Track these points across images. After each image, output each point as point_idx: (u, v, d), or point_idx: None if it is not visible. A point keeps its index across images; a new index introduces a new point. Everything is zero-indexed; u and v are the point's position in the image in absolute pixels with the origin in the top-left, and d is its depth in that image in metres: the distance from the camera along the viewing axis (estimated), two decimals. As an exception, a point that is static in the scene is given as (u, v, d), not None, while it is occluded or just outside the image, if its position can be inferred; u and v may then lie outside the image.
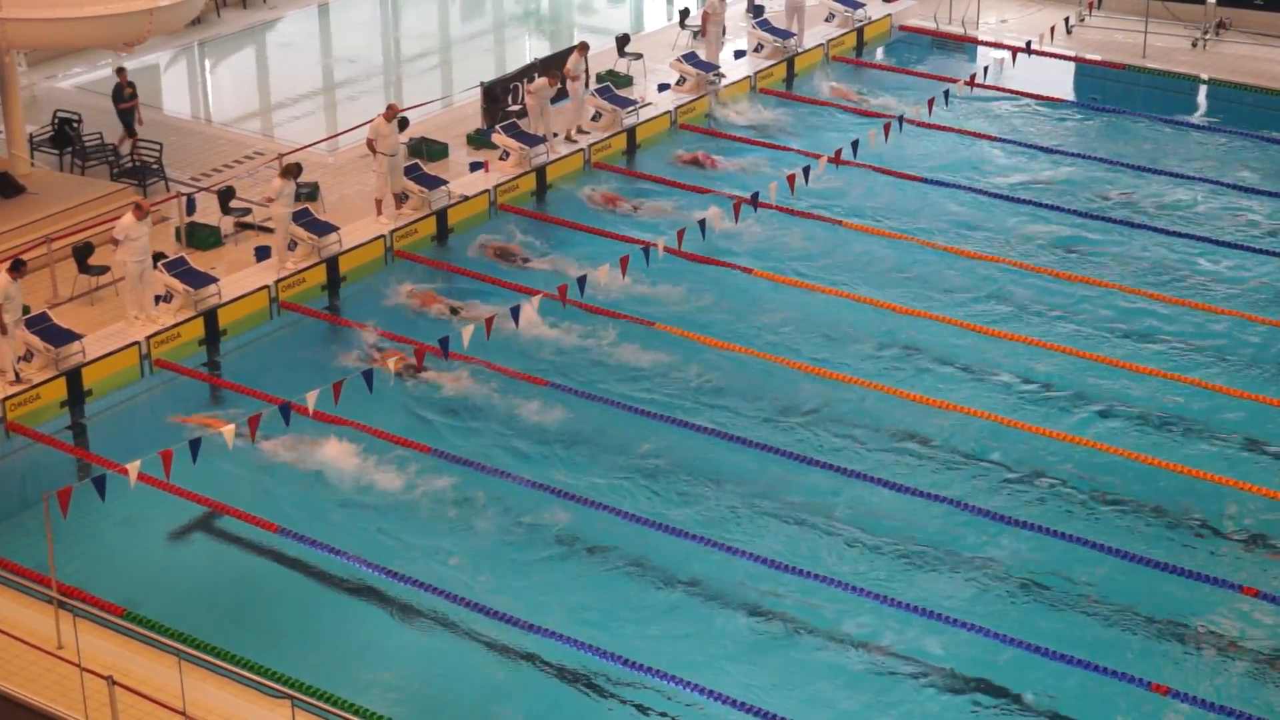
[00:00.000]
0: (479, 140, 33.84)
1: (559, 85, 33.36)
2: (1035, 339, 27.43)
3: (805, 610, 21.39)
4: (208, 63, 40.02)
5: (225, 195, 30.63)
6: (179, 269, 27.75)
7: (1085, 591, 21.75)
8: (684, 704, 19.78)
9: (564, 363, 26.78)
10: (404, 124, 31.95)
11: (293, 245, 29.13)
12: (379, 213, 30.71)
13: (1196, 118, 36.63)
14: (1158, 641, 20.93)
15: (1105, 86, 38.21)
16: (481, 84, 34.54)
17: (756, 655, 20.73)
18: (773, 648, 20.85)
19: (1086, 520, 23.13)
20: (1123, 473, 24.10)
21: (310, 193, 31.08)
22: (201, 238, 29.84)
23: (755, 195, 30.54)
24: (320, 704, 19.13)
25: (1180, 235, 30.84)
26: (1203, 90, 37.70)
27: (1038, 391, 26.14)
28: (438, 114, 35.72)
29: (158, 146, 32.11)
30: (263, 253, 29.30)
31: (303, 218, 29.39)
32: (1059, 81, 38.26)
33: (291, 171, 28.88)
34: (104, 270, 28.25)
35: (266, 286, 28.45)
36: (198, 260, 28.59)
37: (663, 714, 19.72)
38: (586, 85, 34.77)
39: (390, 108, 30.61)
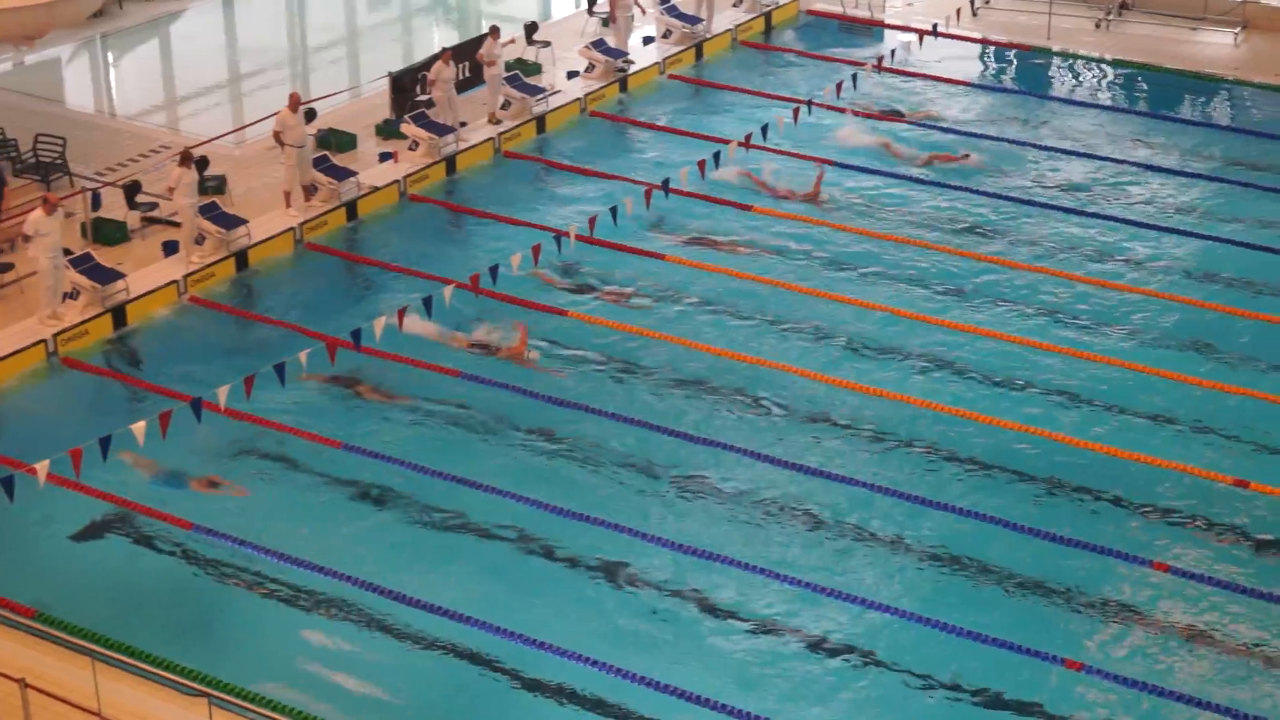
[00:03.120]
0: (388, 131, 33.67)
1: (451, 62, 33.16)
2: (945, 319, 27.56)
3: (715, 591, 21.45)
4: (111, 56, 39.63)
5: (131, 190, 30.34)
6: (85, 265, 27.45)
7: (997, 569, 21.86)
8: (591, 683, 19.83)
9: (475, 354, 26.63)
10: (311, 115, 31.74)
11: (201, 239, 28.88)
12: (288, 205, 30.50)
13: (1100, 98, 36.89)
14: (1070, 618, 21.08)
15: (1012, 68, 38.44)
16: (389, 74, 34.36)
17: (662, 636, 20.79)
18: (680, 629, 20.90)
19: (998, 498, 23.26)
20: (1035, 450, 24.27)
21: (218, 186, 30.83)
22: (108, 233, 29.54)
23: (666, 181, 30.56)
24: (237, 701, 19.03)
25: (1089, 215, 31.05)
26: (1106, 70, 37.95)
27: (949, 372, 26.28)
28: (346, 105, 35.50)
29: (61, 141, 31.73)
30: (171, 247, 29.03)
31: (210, 211, 29.15)
32: (966, 64, 38.43)
33: (190, 159, 28.61)
34: (9, 268, 27.95)
35: (175, 281, 28.20)
36: (104, 256, 28.30)
37: (572, 693, 19.76)
38: (505, 69, 34.65)
39: (293, 97, 30.37)
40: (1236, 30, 39.07)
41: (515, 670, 20.16)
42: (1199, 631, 20.80)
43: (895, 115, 34.71)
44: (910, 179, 32.42)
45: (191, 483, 23.26)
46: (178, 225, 29.10)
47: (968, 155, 33.32)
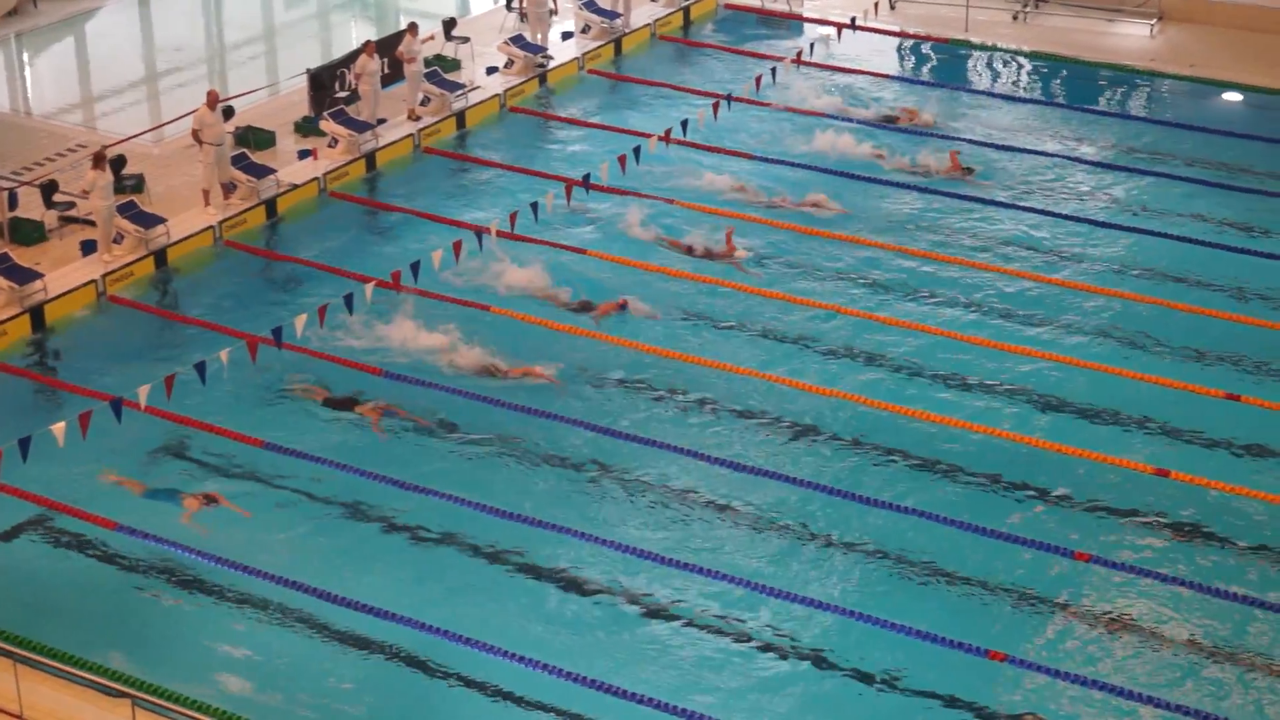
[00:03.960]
0: (307, 127, 33.51)
1: (375, 55, 33.08)
2: (875, 314, 27.65)
3: (654, 591, 21.48)
4: (25, 55, 39.27)
5: (48, 189, 30.08)
6: (3, 265, 27.21)
7: (922, 563, 21.99)
8: (529, 683, 19.82)
9: (395, 350, 26.52)
10: (229, 113, 31.56)
11: (119, 238, 28.68)
12: (206, 203, 30.32)
13: (1018, 90, 37.13)
14: (995, 610, 21.23)
15: (930, 61, 38.64)
16: (308, 71, 34.19)
17: (590, 632, 20.83)
18: (609, 626, 20.93)
19: (925, 492, 23.39)
20: (960, 443, 24.42)
21: (136, 184, 30.60)
22: (25, 233, 29.28)
23: (587, 176, 30.56)
24: (161, 702, 18.90)
25: (1010, 207, 31.21)
26: (1023, 63, 38.20)
27: (877, 366, 26.39)
28: (264, 102, 35.29)
29: (-25, 141, 31.50)
30: (89, 247, 28.81)
31: (129, 210, 28.94)
32: (884, 57, 38.60)
33: (104, 161, 28.39)
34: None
35: (94, 281, 27.98)
36: (22, 256, 28.05)
37: (509, 693, 19.75)
38: (424, 65, 34.55)
39: (211, 95, 30.19)
40: (1152, 22, 39.41)
41: (449, 670, 20.10)
42: (1125, 622, 20.97)
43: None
44: (839, 174, 32.46)
45: (185, 499, 22.95)
46: (95, 224, 28.87)
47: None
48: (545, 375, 25.74)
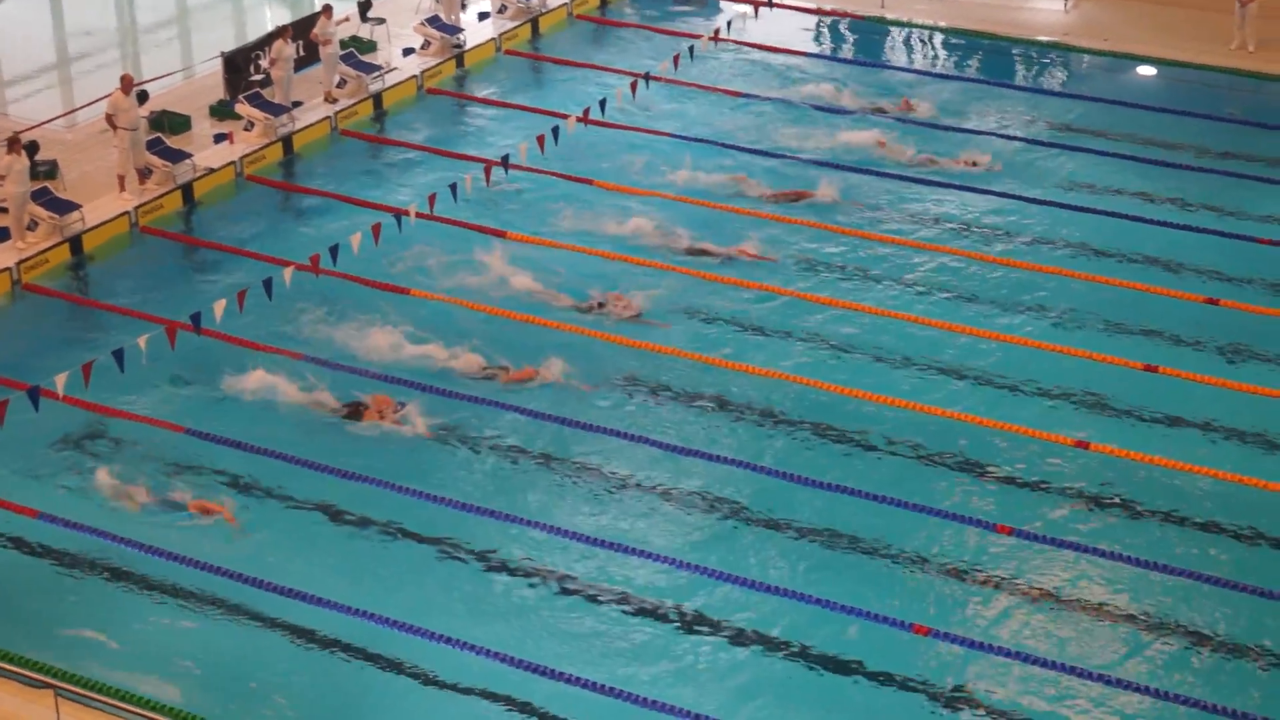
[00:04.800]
0: (222, 111, 33.24)
1: (290, 41, 32.86)
2: (808, 294, 27.69)
3: (586, 573, 21.48)
4: (-67, 40, 38.84)
5: (-40, 176, 29.74)
6: (-86, 254, 26.97)
7: (848, 538, 22.08)
8: (459, 666, 19.78)
9: (318, 335, 26.39)
10: (144, 97, 31.25)
11: (33, 225, 28.39)
12: (122, 189, 30.04)
13: (935, 66, 37.28)
14: (920, 583, 21.35)
15: (849, 38, 38.72)
16: (222, 54, 33.91)
17: (516, 614, 20.81)
18: (544, 609, 20.92)
19: (841, 465, 23.49)
20: (876, 416, 24.53)
21: (49, 170, 30.27)
22: (-63, 221, 29.00)
23: (506, 157, 30.47)
24: (84, 692, 18.75)
25: (925, 183, 31.33)
26: (939, 39, 38.35)
27: (801, 343, 26.45)
28: (178, 86, 35.00)
29: (-115, 128, 31.06)
30: (2, 234, 28.50)
31: (42, 196, 28.65)
32: (802, 34, 38.64)
33: (19, 145, 28.08)
34: None
35: (9, 268, 27.69)
36: (-66, 244, 27.80)
37: (428, 673, 19.74)
38: (340, 47, 34.35)
39: (125, 79, 29.90)
40: (1066, -3, 39.70)
41: (374, 653, 20.02)
42: (1046, 593, 21.13)
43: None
44: (765, 153, 32.49)
45: (191, 506, 22.55)
46: (6, 211, 28.56)
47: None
48: (538, 372, 25.58)
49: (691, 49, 35.13)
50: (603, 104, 32.18)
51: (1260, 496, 22.78)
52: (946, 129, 33.57)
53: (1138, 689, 19.52)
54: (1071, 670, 19.76)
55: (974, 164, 31.94)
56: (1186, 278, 28.16)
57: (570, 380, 25.23)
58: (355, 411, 24.28)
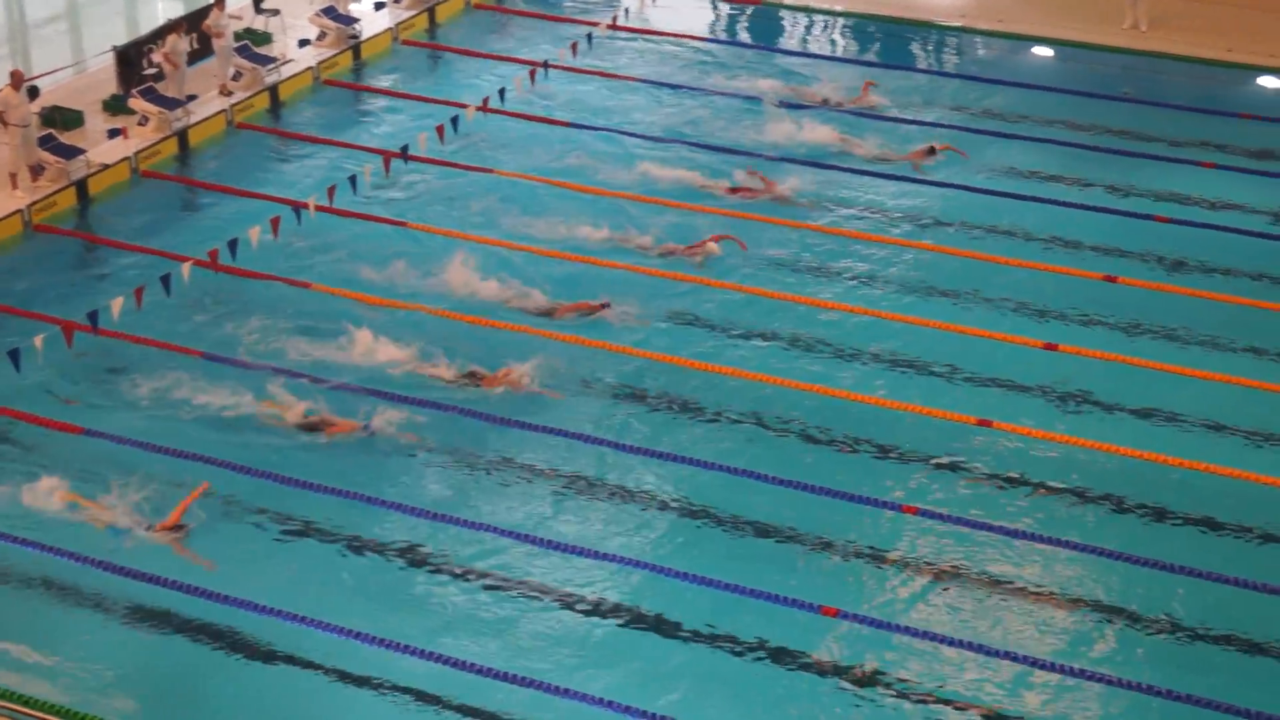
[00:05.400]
0: (115, 106, 32.85)
1: (184, 34, 32.58)
2: (675, 273, 27.72)
3: (463, 555, 21.42)
4: None
5: None
6: None
7: (750, 519, 22.12)
8: (334, 651, 19.73)
9: (219, 332, 26.13)
10: (34, 93, 30.82)
11: (-76, 225, 28.04)
12: (14, 187, 29.66)
13: (834, 49, 37.38)
14: (829, 566, 21.41)
15: (743, 22, 38.77)
16: (114, 48, 33.52)
17: (388, 599, 20.75)
18: (435, 596, 20.84)
19: (745, 449, 23.54)
20: (776, 398, 24.58)
21: (-61, 169, 29.90)
22: None
23: (405, 148, 30.32)
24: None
25: (826, 167, 31.36)
26: (837, 21, 38.47)
27: (696, 326, 26.45)
28: (70, 81, 34.54)
29: None
30: (-108, 235, 28.15)
31: (-67, 196, 28.29)
32: (699, 20, 38.65)
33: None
34: None
35: (-101, 270, 27.38)
36: None
37: (310, 662, 19.66)
38: (234, 39, 34.03)
39: (15, 75, 29.51)
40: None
41: (243, 638, 19.86)
42: (950, 571, 21.24)
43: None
44: (649, 138, 32.49)
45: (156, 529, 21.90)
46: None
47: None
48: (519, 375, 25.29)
49: (590, 36, 35.04)
50: (502, 93, 32.06)
51: (1161, 471, 23.00)
52: (840, 111, 33.58)
53: (1046, 666, 19.66)
54: (980, 649, 19.86)
55: (932, 152, 31.82)
56: (1085, 255, 28.41)
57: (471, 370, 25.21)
58: (317, 425, 23.88)
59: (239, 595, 20.41)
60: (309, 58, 35.37)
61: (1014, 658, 19.75)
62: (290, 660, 19.74)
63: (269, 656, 19.78)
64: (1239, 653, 20.05)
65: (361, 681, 19.41)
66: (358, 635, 19.87)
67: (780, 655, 19.87)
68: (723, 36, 38.27)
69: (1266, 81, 35.25)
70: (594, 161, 31.41)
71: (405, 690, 19.29)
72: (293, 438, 23.58)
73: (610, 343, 25.76)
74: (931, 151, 31.65)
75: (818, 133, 32.45)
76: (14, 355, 23.66)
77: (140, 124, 31.96)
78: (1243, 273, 27.92)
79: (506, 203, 29.91)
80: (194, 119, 32.43)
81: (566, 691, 19.14)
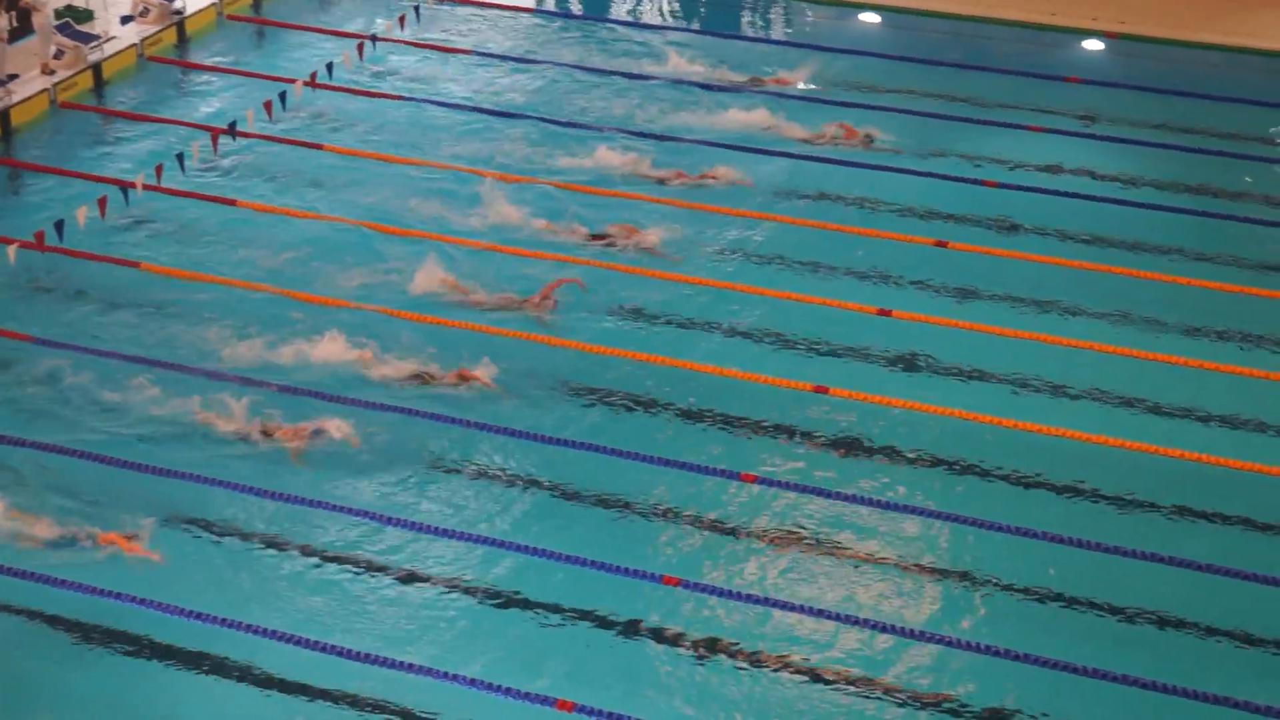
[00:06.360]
0: (-67, 87, 32.21)
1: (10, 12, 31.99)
2: (508, 247, 27.67)
3: (320, 541, 21.31)
4: None
5: None
6: None
7: (591, 494, 22.19)
8: (234, 648, 19.50)
9: (57, 319, 25.65)
10: None
11: None
12: None
13: (667, 19, 37.50)
14: (671, 534, 21.56)
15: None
16: (-70, 27, 32.85)
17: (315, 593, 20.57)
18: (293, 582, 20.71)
19: (584, 421, 23.61)
20: (617, 370, 24.70)
21: None
22: None
23: (233, 124, 29.98)
24: None
25: (673, 140, 31.42)
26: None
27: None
28: (-116, 61, 33.77)
29: None
30: None
31: None
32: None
33: None
34: None
35: None
36: None
37: (216, 661, 19.41)
38: (55, 17, 33.42)
39: None
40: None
41: (146, 638, 19.58)
42: (791, 538, 21.44)
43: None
44: (483, 110, 32.40)
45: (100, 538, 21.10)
46: None
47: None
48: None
49: (418, 9, 34.85)
50: (330, 68, 31.80)
51: (995, 432, 23.36)
52: (730, 91, 33.49)
53: (893, 630, 19.92)
54: (823, 614, 20.08)
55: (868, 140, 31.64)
56: (913, 222, 28.75)
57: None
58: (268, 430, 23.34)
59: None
60: (132, 35, 34.81)
61: (862, 623, 19.94)
62: (152, 651, 19.51)
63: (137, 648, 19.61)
64: (1083, 613, 20.43)
65: (226, 670, 19.25)
66: (222, 622, 19.68)
67: (625, 626, 19.92)
68: (552, 8, 38.20)
69: (1090, 45, 35.87)
70: (427, 135, 31.23)
71: (273, 681, 19.11)
72: (197, 434, 23.10)
73: (461, 321, 25.69)
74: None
75: (656, 108, 32.57)
76: None
77: (-41, 105, 31.38)
78: (1075, 235, 28.41)
79: (338, 176, 29.67)
80: (15, 99, 31.81)
81: (420, 669, 19.10)
